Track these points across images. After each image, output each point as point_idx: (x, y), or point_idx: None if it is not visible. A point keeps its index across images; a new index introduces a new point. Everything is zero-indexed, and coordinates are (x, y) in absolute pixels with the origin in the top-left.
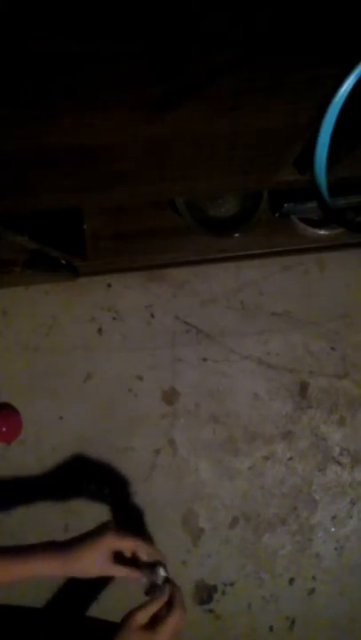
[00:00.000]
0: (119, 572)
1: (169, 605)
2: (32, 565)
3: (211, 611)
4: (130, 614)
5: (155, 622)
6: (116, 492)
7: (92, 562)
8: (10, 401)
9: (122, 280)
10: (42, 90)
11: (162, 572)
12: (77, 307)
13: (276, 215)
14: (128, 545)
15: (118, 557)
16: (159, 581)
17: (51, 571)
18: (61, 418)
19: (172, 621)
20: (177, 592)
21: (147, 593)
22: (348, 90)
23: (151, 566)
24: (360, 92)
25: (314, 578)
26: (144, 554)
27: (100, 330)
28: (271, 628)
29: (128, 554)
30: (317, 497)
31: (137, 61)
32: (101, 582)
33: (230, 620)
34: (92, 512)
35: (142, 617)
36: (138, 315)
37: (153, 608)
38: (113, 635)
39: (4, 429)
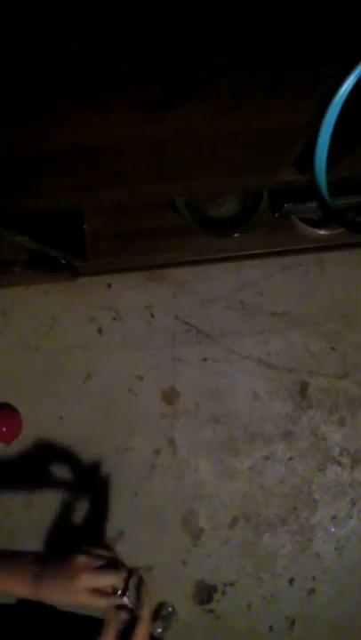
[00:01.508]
0: (96, 602)
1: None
2: (4, 583)
3: (211, 611)
4: None
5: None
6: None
7: (64, 595)
8: (10, 401)
9: (122, 280)
10: (42, 90)
11: (126, 599)
12: (77, 307)
13: (276, 215)
14: (104, 582)
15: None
16: (130, 605)
17: (23, 594)
18: (61, 418)
19: (141, 633)
20: (145, 606)
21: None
22: (348, 90)
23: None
24: (360, 92)
25: (314, 578)
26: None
27: (100, 330)
28: (271, 628)
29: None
30: (317, 497)
31: (137, 61)
32: None
33: (230, 620)
34: (92, 512)
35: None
36: (138, 315)
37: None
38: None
39: (4, 429)
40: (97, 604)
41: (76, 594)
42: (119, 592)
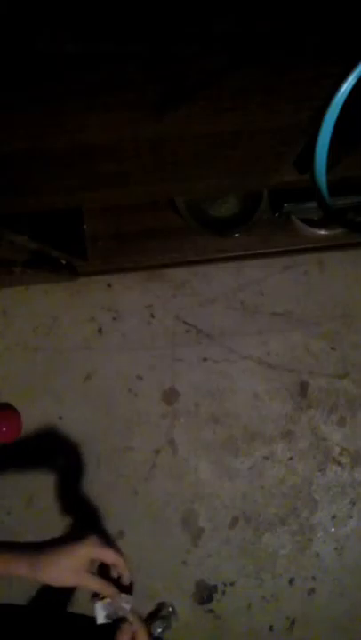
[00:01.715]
0: (94, 583)
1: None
2: (3, 563)
3: (211, 611)
4: None
5: None
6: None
7: (64, 570)
8: (10, 401)
9: (122, 280)
10: (42, 90)
11: (128, 603)
12: (77, 307)
13: (276, 215)
14: (108, 556)
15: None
16: (126, 608)
17: (20, 573)
18: (61, 418)
19: None
20: (141, 625)
21: (108, 616)
22: (348, 90)
23: (122, 590)
24: (360, 92)
25: (314, 578)
26: (118, 572)
27: (100, 330)
28: (271, 628)
29: (96, 567)
30: (317, 497)
31: (137, 61)
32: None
33: (230, 619)
34: (92, 512)
35: None
36: (138, 315)
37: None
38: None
39: (4, 429)
40: (92, 586)
41: (76, 566)
42: (122, 595)
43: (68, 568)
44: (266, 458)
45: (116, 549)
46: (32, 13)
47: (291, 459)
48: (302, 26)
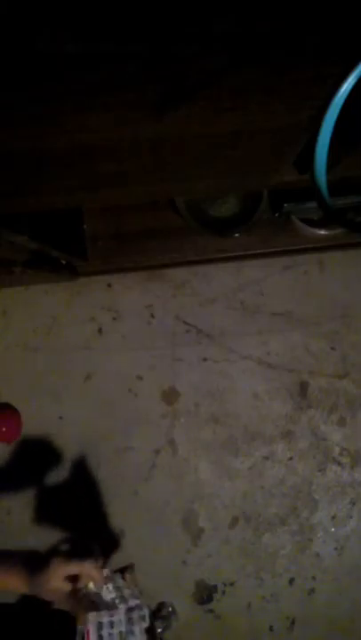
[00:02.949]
0: (66, 587)
1: None
2: (6, 580)
3: (211, 611)
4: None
5: None
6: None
7: (53, 591)
8: (10, 401)
9: (122, 280)
10: (42, 90)
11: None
12: (77, 307)
13: (276, 215)
14: (79, 568)
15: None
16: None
17: (22, 592)
18: (61, 418)
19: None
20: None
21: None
22: (348, 90)
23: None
24: (360, 92)
25: (314, 578)
26: (91, 574)
27: (100, 330)
28: (271, 628)
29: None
30: (317, 497)
31: (137, 61)
32: None
33: (230, 619)
34: (92, 512)
35: None
36: (138, 315)
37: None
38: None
39: (4, 429)
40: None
41: (52, 580)
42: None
43: (54, 589)
44: (266, 458)
45: (86, 556)
46: (32, 13)
47: (291, 459)
48: (302, 26)
